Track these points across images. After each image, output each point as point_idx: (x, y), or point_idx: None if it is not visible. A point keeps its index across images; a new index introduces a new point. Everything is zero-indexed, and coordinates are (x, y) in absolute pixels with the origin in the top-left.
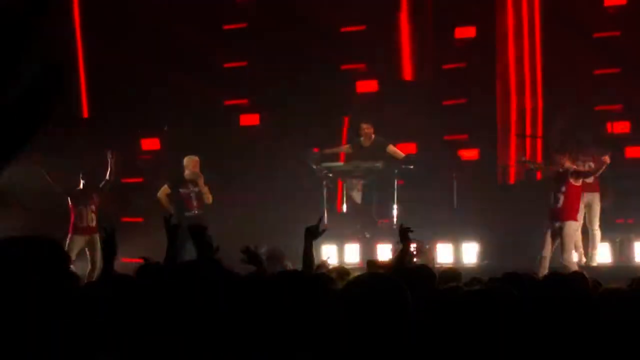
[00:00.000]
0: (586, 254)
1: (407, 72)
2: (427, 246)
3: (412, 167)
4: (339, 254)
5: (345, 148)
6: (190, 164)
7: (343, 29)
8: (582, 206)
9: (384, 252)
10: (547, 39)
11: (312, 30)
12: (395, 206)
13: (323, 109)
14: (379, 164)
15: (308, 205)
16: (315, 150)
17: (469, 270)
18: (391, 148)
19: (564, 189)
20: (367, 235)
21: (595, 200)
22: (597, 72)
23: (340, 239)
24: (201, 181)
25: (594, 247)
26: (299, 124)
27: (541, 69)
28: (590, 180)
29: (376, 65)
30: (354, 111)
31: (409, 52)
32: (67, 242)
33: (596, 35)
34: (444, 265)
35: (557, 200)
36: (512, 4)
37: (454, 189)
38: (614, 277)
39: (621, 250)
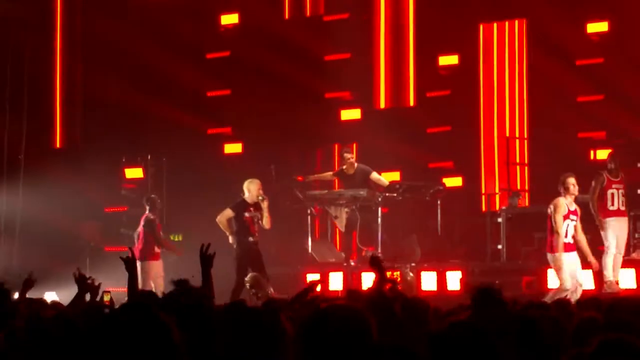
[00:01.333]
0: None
1: (391, 100)
2: (412, 274)
3: (395, 194)
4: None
5: (328, 176)
6: (254, 187)
7: (327, 58)
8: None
9: (369, 280)
10: (530, 67)
11: (295, 58)
12: (379, 234)
13: (307, 137)
14: (363, 192)
15: (293, 233)
16: (300, 178)
17: (453, 298)
18: (374, 176)
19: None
20: (352, 264)
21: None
22: (581, 99)
23: (324, 267)
24: (266, 205)
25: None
26: (283, 152)
27: (525, 96)
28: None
29: (360, 93)
30: (338, 139)
31: (393, 80)
32: (139, 269)
33: (579, 62)
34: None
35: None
36: (496, 31)
37: (438, 217)
38: None
39: None
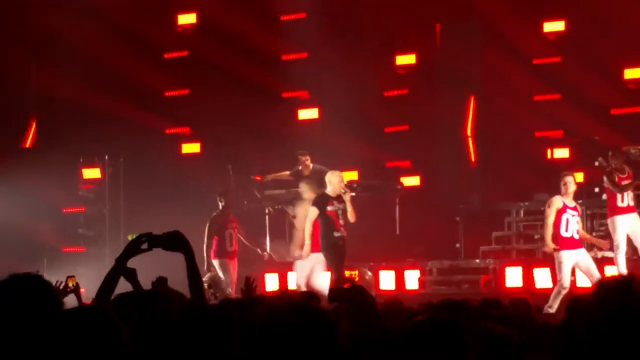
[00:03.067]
0: None
1: (348, 99)
2: (370, 274)
3: (353, 194)
4: (280, 281)
5: (286, 175)
6: (336, 179)
7: (284, 57)
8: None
9: (326, 279)
10: (487, 66)
11: (253, 58)
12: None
13: (264, 137)
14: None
15: (251, 232)
16: (257, 178)
17: (411, 297)
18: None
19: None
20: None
21: (636, 221)
22: (538, 98)
23: (283, 267)
24: (348, 197)
25: None
26: (241, 151)
27: (481, 95)
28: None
29: (317, 92)
30: (296, 138)
31: (350, 79)
32: (217, 266)
33: (536, 61)
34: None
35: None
36: (453, 31)
37: (396, 216)
38: None
39: None
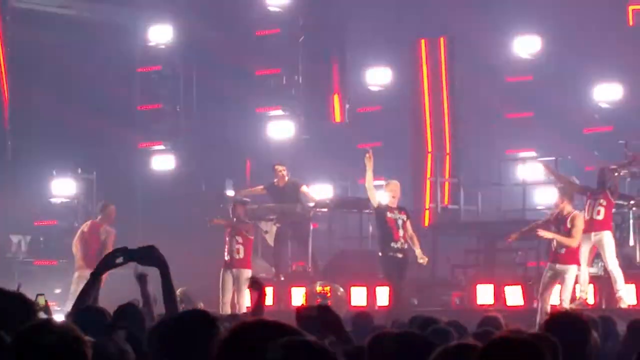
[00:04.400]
0: (614, 295)
1: (322, 114)
2: (342, 289)
3: (325, 209)
4: (252, 295)
5: (259, 190)
6: (393, 188)
7: (258, 72)
8: (590, 246)
9: (298, 295)
10: (460, 83)
11: (227, 73)
12: (309, 249)
13: (238, 152)
14: (295, 207)
15: (223, 248)
16: (231, 193)
17: (383, 313)
18: (304, 189)
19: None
20: (282, 278)
21: (605, 238)
22: (510, 115)
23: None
24: (404, 213)
25: (618, 288)
26: (214, 166)
27: (454, 112)
28: (599, 217)
29: (291, 108)
30: (269, 154)
31: (324, 95)
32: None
33: (509, 79)
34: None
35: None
36: (427, 48)
37: (369, 232)
38: None
39: None
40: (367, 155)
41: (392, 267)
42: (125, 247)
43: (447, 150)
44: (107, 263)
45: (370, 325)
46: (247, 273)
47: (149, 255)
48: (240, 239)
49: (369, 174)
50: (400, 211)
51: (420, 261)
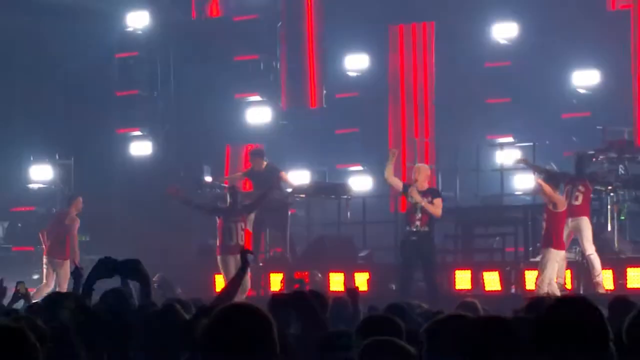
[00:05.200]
0: (592, 281)
1: (300, 100)
2: (320, 275)
3: (303, 195)
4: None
5: (238, 176)
6: (421, 172)
7: (236, 58)
8: (567, 232)
9: (276, 281)
10: (438, 69)
11: (205, 59)
12: (287, 235)
13: (216, 138)
14: (273, 193)
15: (201, 233)
16: (209, 180)
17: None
18: (283, 176)
19: (544, 215)
20: (260, 264)
21: (583, 224)
22: (488, 101)
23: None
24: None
25: (596, 273)
26: (192, 152)
27: (432, 98)
28: (577, 203)
29: (269, 94)
30: (247, 139)
31: (302, 81)
32: (219, 262)
33: (487, 64)
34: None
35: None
36: (405, 34)
37: (347, 218)
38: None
39: None
40: (393, 151)
41: (405, 250)
42: (108, 257)
43: (427, 137)
44: (95, 275)
45: (346, 311)
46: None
47: (134, 269)
48: (244, 225)
49: (390, 167)
50: (424, 194)
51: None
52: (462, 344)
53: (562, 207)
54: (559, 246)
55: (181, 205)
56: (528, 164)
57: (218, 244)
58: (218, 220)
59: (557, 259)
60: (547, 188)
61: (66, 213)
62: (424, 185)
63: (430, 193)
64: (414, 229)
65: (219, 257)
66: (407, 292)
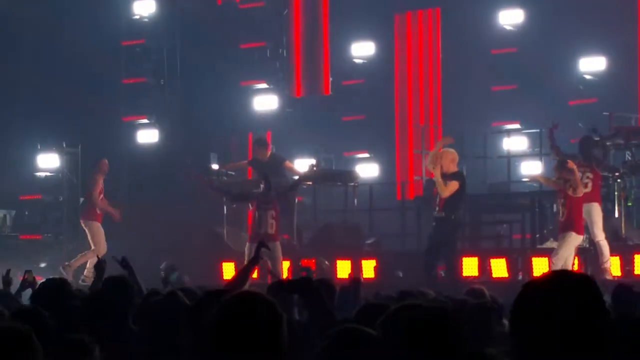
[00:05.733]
0: (600, 267)
1: (306, 88)
2: (327, 263)
3: (310, 183)
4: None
5: (244, 164)
6: (447, 157)
7: (242, 46)
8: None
9: (283, 269)
10: (444, 56)
11: (211, 46)
12: (294, 222)
13: (222, 125)
14: (280, 180)
15: (208, 221)
16: (215, 167)
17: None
18: (287, 164)
19: (562, 200)
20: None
21: (593, 210)
22: (495, 88)
23: (240, 256)
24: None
25: (604, 260)
26: (198, 140)
27: (438, 85)
28: (587, 190)
29: (275, 81)
30: (253, 127)
31: (309, 68)
32: (246, 250)
33: (493, 51)
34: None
35: (559, 212)
36: (411, 21)
37: (354, 205)
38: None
39: None
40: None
41: (429, 236)
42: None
43: (433, 124)
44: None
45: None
46: (278, 245)
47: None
48: (274, 214)
49: (438, 172)
50: (447, 177)
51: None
52: (409, 336)
53: (581, 192)
54: (580, 231)
55: (213, 193)
56: (544, 179)
57: (249, 231)
58: (251, 207)
59: (575, 243)
60: (577, 172)
61: (95, 177)
62: (450, 167)
63: (451, 176)
64: (435, 214)
65: (246, 245)
66: (429, 277)
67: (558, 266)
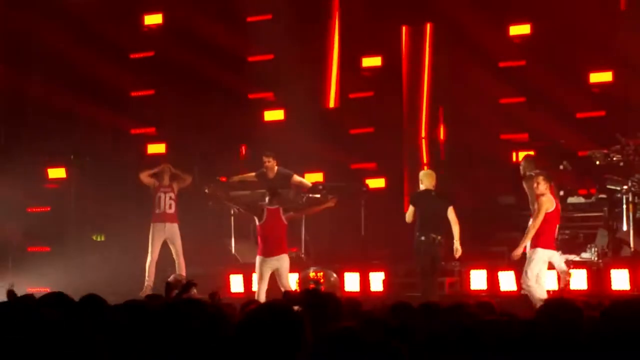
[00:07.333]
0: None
1: (314, 100)
2: (335, 275)
3: (319, 195)
4: (245, 283)
5: (251, 177)
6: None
7: (250, 58)
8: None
9: (292, 281)
10: (452, 69)
11: (219, 59)
12: (302, 235)
13: (230, 138)
14: (287, 192)
15: (215, 233)
16: (223, 179)
17: (376, 299)
18: (296, 179)
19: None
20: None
21: None
22: (503, 101)
23: (248, 268)
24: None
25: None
26: (206, 152)
27: (447, 98)
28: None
29: (283, 94)
30: (260, 140)
31: (316, 81)
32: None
33: (502, 64)
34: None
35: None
36: (419, 33)
37: (362, 218)
38: None
39: None
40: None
41: (417, 258)
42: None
43: (423, 135)
44: None
45: (359, 311)
46: (287, 257)
47: None
48: (282, 226)
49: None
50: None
51: None
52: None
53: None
54: (547, 245)
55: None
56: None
57: (258, 244)
58: (258, 220)
59: (544, 259)
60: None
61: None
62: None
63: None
64: (424, 237)
65: (257, 258)
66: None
67: (528, 283)
